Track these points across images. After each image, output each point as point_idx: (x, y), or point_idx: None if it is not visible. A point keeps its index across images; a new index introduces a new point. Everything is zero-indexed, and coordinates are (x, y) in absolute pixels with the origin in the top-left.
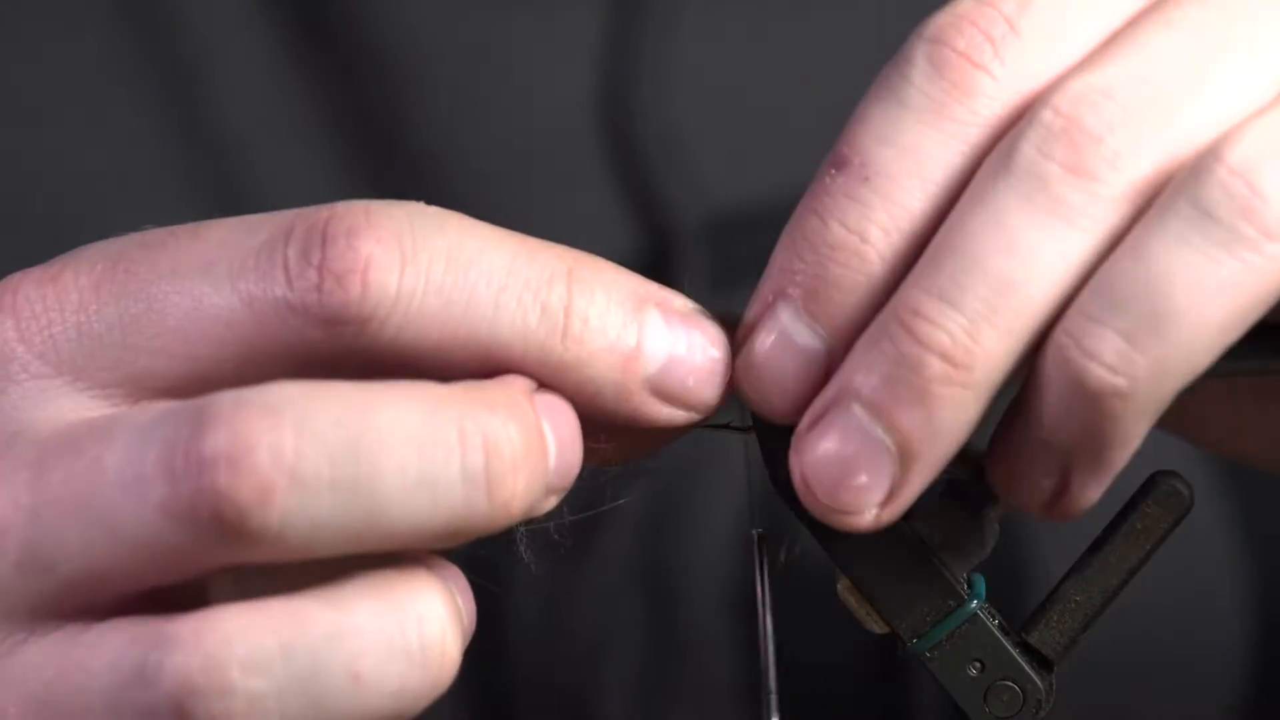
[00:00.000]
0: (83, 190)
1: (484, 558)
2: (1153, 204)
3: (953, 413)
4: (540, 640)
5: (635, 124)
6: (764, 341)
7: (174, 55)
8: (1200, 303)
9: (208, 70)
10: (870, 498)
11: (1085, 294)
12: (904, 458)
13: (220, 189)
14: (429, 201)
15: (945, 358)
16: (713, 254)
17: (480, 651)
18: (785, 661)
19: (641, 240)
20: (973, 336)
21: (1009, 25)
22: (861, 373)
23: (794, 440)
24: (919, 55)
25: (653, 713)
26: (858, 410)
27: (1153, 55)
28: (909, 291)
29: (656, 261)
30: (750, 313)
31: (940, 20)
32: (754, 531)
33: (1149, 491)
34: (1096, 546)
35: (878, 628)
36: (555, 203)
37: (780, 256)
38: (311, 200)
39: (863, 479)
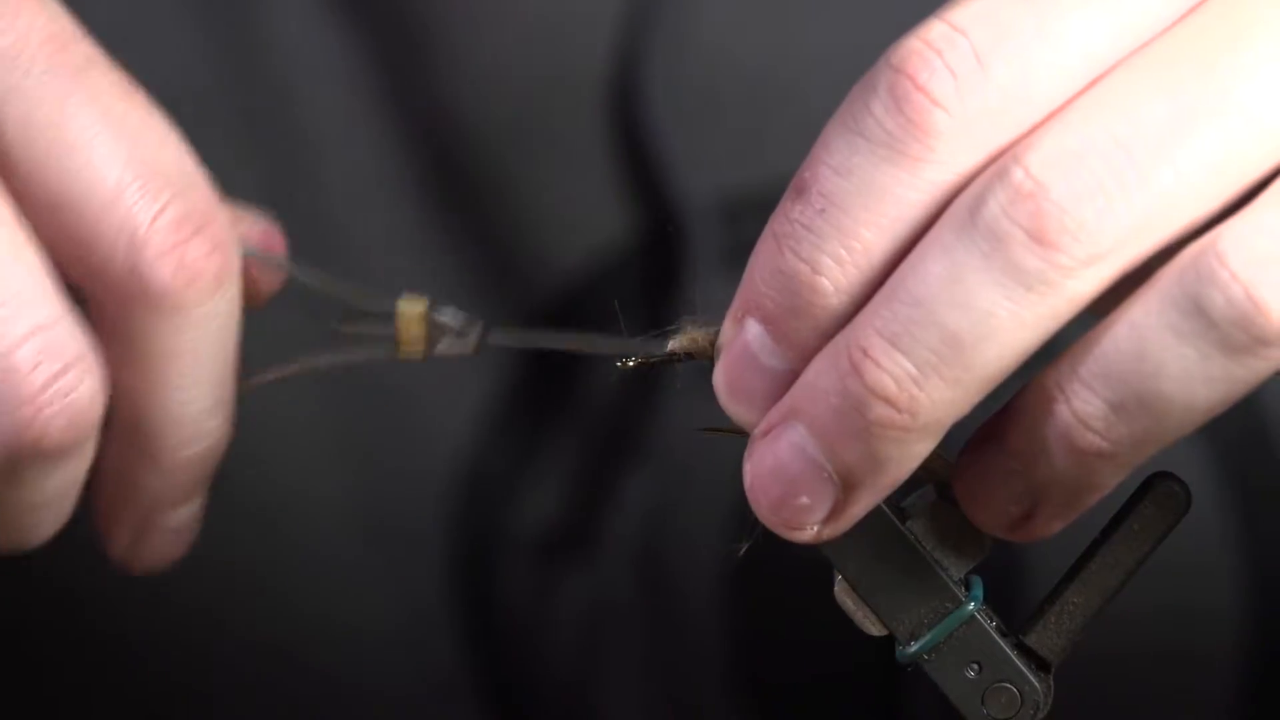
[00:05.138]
0: None
1: (478, 550)
2: (1155, 281)
3: (897, 450)
4: (535, 624)
5: (648, 100)
6: (732, 357)
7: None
8: (1189, 392)
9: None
10: (811, 517)
11: (1081, 350)
12: (846, 485)
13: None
14: (440, 169)
15: (889, 402)
16: (723, 232)
17: (475, 636)
18: (782, 645)
19: (652, 217)
20: (919, 385)
21: (977, 60)
22: (809, 398)
23: (748, 445)
24: (881, 84)
25: (648, 697)
26: (803, 433)
27: (1132, 115)
28: (861, 328)
29: (666, 237)
30: (725, 325)
31: (907, 47)
32: None
33: (1146, 493)
34: (1094, 548)
35: (875, 630)
36: (566, 177)
37: (750, 273)
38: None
39: (804, 500)
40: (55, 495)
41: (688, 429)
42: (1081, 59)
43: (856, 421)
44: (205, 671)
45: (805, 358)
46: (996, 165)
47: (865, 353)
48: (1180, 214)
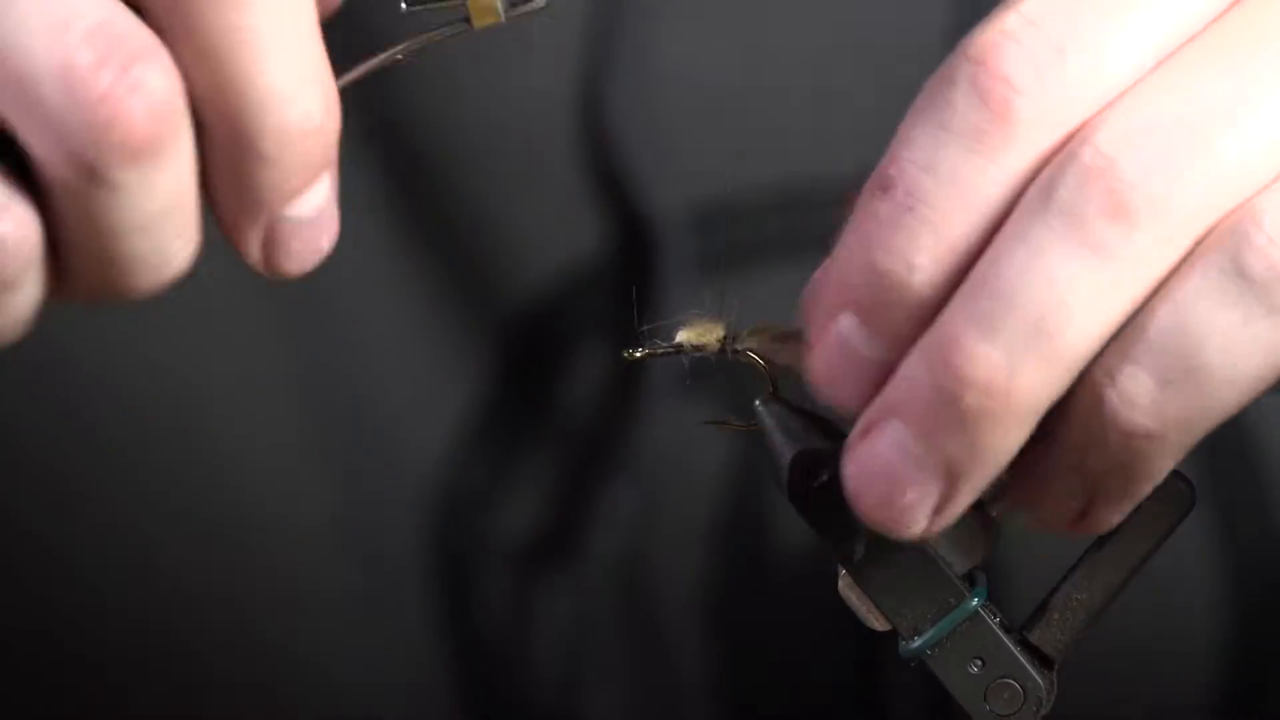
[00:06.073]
0: None
1: (458, 566)
2: (1193, 253)
3: (995, 438)
4: (517, 639)
5: (617, 112)
6: (828, 349)
7: None
8: (1233, 361)
9: None
10: (918, 513)
11: (1126, 333)
12: (949, 477)
13: None
14: (412, 185)
15: (983, 391)
16: (694, 243)
17: (456, 653)
18: (764, 656)
19: (622, 229)
20: (1011, 371)
21: (1054, 49)
22: (905, 394)
23: (846, 446)
24: (961, 77)
25: (630, 709)
26: (902, 429)
27: (1196, 92)
28: (951, 320)
29: (637, 250)
30: (811, 320)
31: (984, 39)
32: None
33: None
34: (1098, 544)
35: (878, 625)
36: (536, 189)
37: (839, 270)
38: None
39: (910, 496)
40: (166, 207)
41: (664, 438)
42: (1148, 42)
43: (953, 413)
44: (182, 696)
45: (902, 346)
46: (1066, 149)
47: (956, 344)
48: (1244, 186)
